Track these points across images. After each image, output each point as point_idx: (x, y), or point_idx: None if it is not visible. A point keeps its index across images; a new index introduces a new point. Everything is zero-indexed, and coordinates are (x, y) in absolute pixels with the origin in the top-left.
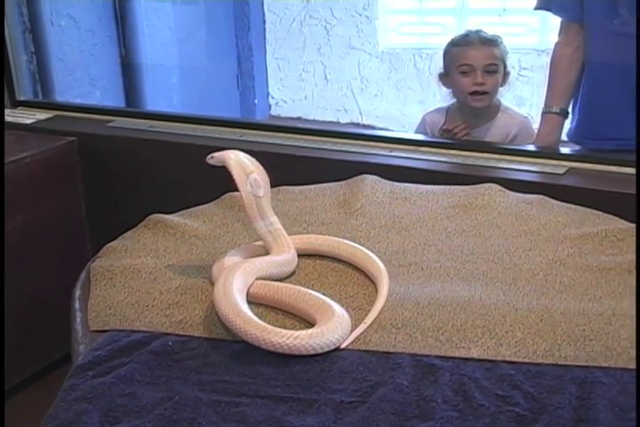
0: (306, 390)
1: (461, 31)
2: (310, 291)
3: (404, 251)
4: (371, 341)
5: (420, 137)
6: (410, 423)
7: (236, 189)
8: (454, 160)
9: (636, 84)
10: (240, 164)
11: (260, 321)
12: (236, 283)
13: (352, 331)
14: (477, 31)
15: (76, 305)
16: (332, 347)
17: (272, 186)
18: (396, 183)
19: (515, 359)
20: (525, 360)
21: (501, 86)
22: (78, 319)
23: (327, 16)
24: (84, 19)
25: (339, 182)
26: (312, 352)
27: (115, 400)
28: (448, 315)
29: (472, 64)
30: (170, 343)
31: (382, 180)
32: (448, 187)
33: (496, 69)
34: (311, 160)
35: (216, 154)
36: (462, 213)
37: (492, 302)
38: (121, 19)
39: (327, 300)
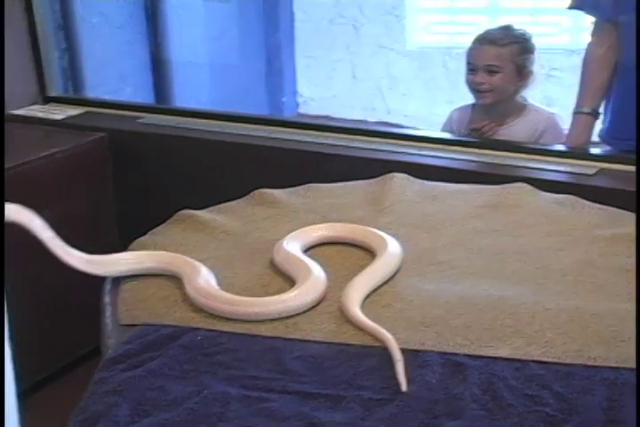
0: (334, 386)
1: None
2: (298, 255)
3: (433, 249)
4: (399, 338)
5: (449, 136)
6: (438, 421)
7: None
8: (483, 159)
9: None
10: (22, 214)
11: (227, 294)
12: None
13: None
14: (499, 28)
15: (107, 299)
16: (302, 310)
17: (300, 183)
18: (425, 182)
19: (544, 359)
20: (555, 360)
21: (521, 85)
22: (108, 313)
23: (356, 15)
24: (116, 16)
25: (368, 180)
26: (282, 315)
27: (144, 394)
28: (477, 314)
29: (474, 63)
30: (199, 338)
31: (412, 178)
32: (478, 186)
33: (497, 70)
34: (340, 158)
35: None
36: (492, 213)
37: (521, 302)
38: (152, 16)
39: (308, 261)
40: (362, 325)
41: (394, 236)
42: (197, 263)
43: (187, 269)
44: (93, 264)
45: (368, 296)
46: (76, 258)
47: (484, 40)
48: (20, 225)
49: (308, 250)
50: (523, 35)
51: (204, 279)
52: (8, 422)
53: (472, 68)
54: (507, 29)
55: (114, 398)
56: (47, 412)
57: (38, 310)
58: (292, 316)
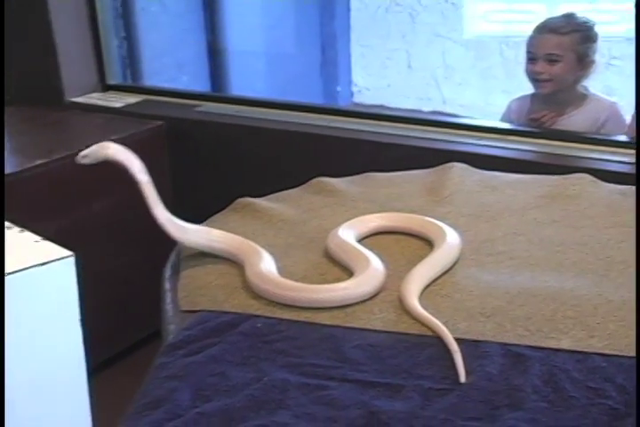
0: (394, 375)
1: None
2: (355, 245)
3: (492, 240)
4: (459, 328)
5: (509, 126)
6: (499, 412)
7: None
8: (543, 149)
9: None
10: (123, 154)
11: (288, 282)
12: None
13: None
14: (561, 16)
15: (167, 285)
16: (363, 299)
17: (357, 172)
18: (484, 172)
19: (607, 352)
20: (617, 353)
21: (582, 75)
22: (169, 299)
23: (413, 3)
24: (174, 4)
25: (427, 170)
26: (345, 303)
27: (205, 379)
28: (538, 305)
29: (534, 52)
30: (259, 325)
31: (471, 168)
32: (538, 176)
33: (557, 59)
34: (397, 147)
35: (87, 152)
36: (553, 203)
37: (583, 293)
38: (209, 4)
39: (366, 252)
40: (418, 316)
41: (452, 226)
42: (261, 249)
43: (250, 254)
44: (174, 225)
45: (426, 287)
46: (161, 211)
47: (545, 28)
48: (119, 164)
49: (363, 239)
50: (585, 23)
51: (265, 266)
52: (78, 399)
53: (532, 57)
54: (569, 17)
55: (175, 384)
56: (108, 393)
57: (99, 294)
58: (350, 305)
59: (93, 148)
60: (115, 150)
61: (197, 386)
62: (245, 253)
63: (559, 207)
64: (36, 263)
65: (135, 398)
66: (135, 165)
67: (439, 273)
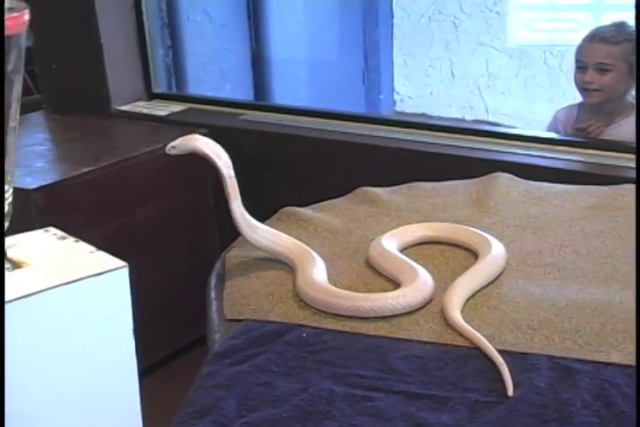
0: (440, 387)
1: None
2: (399, 255)
3: (539, 251)
4: (506, 341)
5: (554, 135)
6: (547, 426)
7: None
8: (590, 160)
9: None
10: (210, 146)
11: (338, 290)
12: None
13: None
14: (612, 25)
15: (212, 294)
16: (411, 309)
17: (401, 182)
18: (530, 182)
19: None
20: None
21: (632, 84)
22: (214, 308)
23: (456, 12)
24: (218, 14)
25: (472, 180)
26: (394, 313)
27: (251, 389)
28: (586, 318)
29: (584, 61)
30: (304, 335)
31: (516, 178)
32: (585, 187)
33: (608, 68)
34: (441, 157)
35: (176, 143)
36: (600, 214)
37: (632, 307)
38: (253, 13)
39: (412, 263)
40: (460, 329)
41: (498, 237)
42: (317, 257)
43: (304, 261)
44: (246, 223)
45: (472, 298)
46: (237, 207)
47: (596, 37)
48: (205, 156)
49: (405, 249)
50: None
51: (317, 274)
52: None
53: (581, 66)
54: (620, 26)
55: (221, 393)
56: (149, 400)
57: (141, 303)
58: (395, 315)
59: (182, 139)
60: (202, 143)
61: (243, 396)
62: (301, 260)
63: (607, 218)
64: (91, 274)
65: (181, 406)
66: (221, 159)
67: (483, 284)
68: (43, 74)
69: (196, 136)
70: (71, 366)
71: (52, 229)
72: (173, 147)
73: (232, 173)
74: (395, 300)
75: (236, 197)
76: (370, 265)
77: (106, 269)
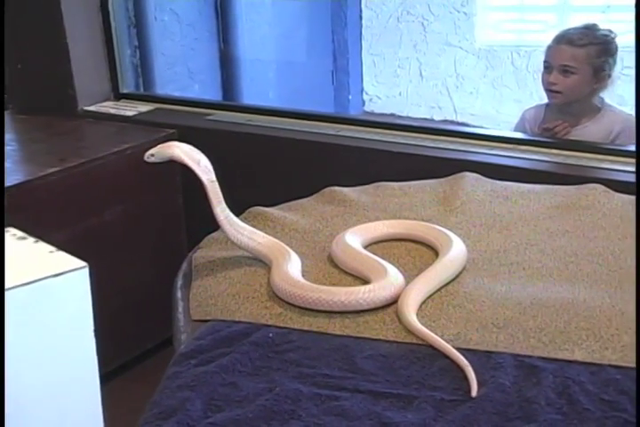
0: (406, 386)
1: (564, 28)
2: (365, 252)
3: (505, 250)
4: (472, 340)
5: (521, 135)
6: (512, 424)
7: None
8: (555, 159)
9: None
10: (187, 153)
11: (314, 285)
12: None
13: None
14: (581, 27)
15: (179, 294)
16: (384, 303)
17: (370, 182)
18: (496, 181)
19: (621, 364)
20: (632, 365)
21: (598, 88)
22: (180, 309)
23: (424, 12)
24: (186, 13)
25: (438, 180)
26: (365, 307)
27: (217, 389)
28: (551, 316)
29: (550, 62)
30: (270, 335)
31: (483, 178)
32: (550, 186)
33: (572, 71)
34: (409, 157)
35: (154, 150)
36: (565, 214)
37: (596, 305)
38: (221, 13)
39: (379, 260)
40: (420, 335)
41: (464, 235)
42: (292, 252)
43: (279, 256)
44: (230, 223)
45: (437, 296)
46: (221, 211)
47: (563, 39)
48: (183, 164)
49: (368, 246)
50: (605, 36)
51: (292, 268)
52: (91, 408)
53: (547, 67)
54: (588, 29)
55: (187, 393)
56: (116, 404)
57: (109, 303)
58: (362, 315)
59: (160, 147)
60: (181, 150)
61: (209, 396)
62: (273, 254)
63: (572, 218)
64: (50, 274)
65: (147, 407)
66: (199, 165)
67: (439, 286)
68: (8, 74)
69: (175, 143)
70: (30, 367)
71: (12, 230)
72: (152, 155)
73: (213, 177)
74: (371, 293)
75: (218, 200)
76: (336, 264)
77: (65, 270)
